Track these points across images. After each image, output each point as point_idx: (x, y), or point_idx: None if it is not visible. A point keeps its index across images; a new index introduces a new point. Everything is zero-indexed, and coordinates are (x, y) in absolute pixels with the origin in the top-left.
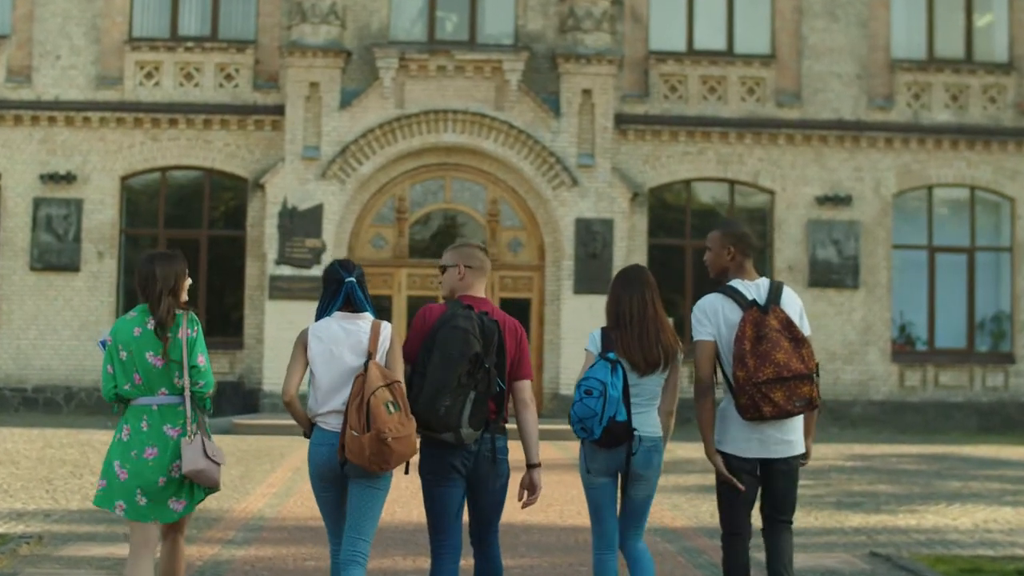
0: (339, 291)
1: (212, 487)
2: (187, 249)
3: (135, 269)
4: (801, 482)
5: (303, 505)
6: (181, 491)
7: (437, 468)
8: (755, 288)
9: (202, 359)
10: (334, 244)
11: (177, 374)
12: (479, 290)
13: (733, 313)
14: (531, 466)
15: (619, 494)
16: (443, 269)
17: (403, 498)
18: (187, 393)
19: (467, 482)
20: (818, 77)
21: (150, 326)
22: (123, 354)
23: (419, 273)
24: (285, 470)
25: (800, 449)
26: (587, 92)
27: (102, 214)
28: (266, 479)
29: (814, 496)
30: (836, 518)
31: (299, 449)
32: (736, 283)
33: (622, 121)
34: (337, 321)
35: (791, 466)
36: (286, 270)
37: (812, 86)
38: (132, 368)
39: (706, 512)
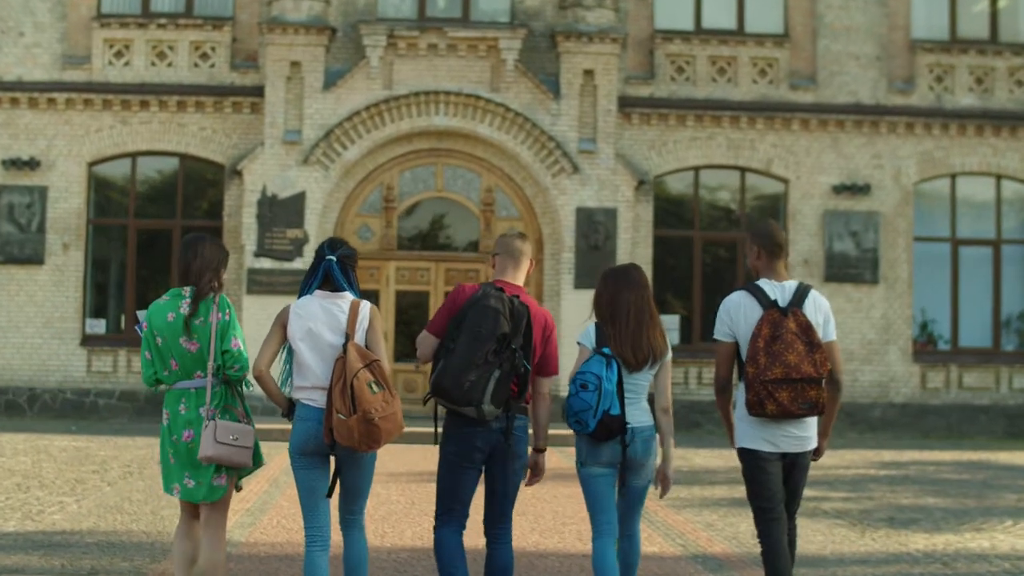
0: (319, 268)
1: (238, 468)
2: (159, 241)
3: (178, 251)
4: (843, 495)
5: (279, 525)
6: (222, 468)
7: (460, 449)
8: (781, 289)
9: (236, 342)
10: (317, 235)
11: (207, 358)
12: (514, 276)
13: (754, 312)
14: (537, 450)
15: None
16: None
17: (394, 515)
18: (209, 377)
19: (486, 462)
20: (835, 58)
21: (184, 310)
22: (158, 340)
23: (408, 266)
24: (261, 481)
25: (813, 445)
26: (589, 73)
27: (68, 203)
28: (239, 492)
29: (862, 512)
30: (896, 539)
31: (278, 456)
32: (763, 282)
33: (626, 104)
34: (317, 299)
35: (807, 461)
36: (265, 263)
37: (828, 68)
38: (168, 354)
39: (746, 532)
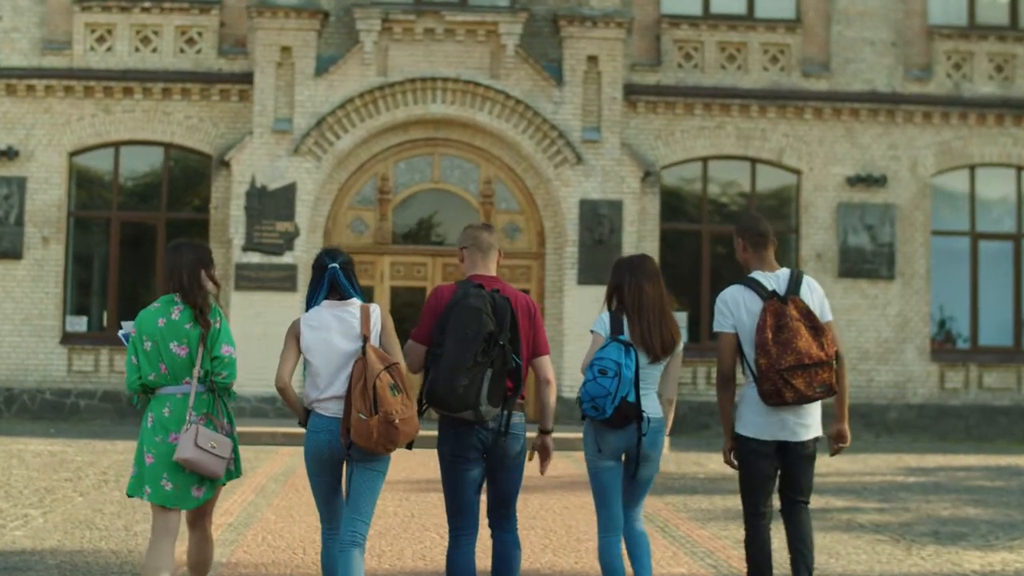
0: (323, 279)
1: (210, 477)
2: (143, 234)
3: (163, 259)
4: (876, 505)
5: (264, 542)
6: (203, 479)
7: (457, 449)
8: (775, 279)
9: (227, 349)
10: (308, 228)
11: (197, 363)
12: (486, 268)
13: (754, 304)
14: (544, 432)
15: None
16: None
17: (392, 531)
18: (194, 382)
19: (486, 460)
20: (849, 44)
21: (175, 316)
22: (147, 344)
23: (404, 261)
24: (247, 491)
25: (817, 432)
26: (593, 59)
27: (48, 194)
28: (222, 504)
29: (902, 525)
30: (947, 557)
31: (266, 462)
32: (757, 274)
33: (632, 92)
34: (327, 309)
35: (809, 449)
36: (254, 257)
37: (842, 54)
38: (157, 358)
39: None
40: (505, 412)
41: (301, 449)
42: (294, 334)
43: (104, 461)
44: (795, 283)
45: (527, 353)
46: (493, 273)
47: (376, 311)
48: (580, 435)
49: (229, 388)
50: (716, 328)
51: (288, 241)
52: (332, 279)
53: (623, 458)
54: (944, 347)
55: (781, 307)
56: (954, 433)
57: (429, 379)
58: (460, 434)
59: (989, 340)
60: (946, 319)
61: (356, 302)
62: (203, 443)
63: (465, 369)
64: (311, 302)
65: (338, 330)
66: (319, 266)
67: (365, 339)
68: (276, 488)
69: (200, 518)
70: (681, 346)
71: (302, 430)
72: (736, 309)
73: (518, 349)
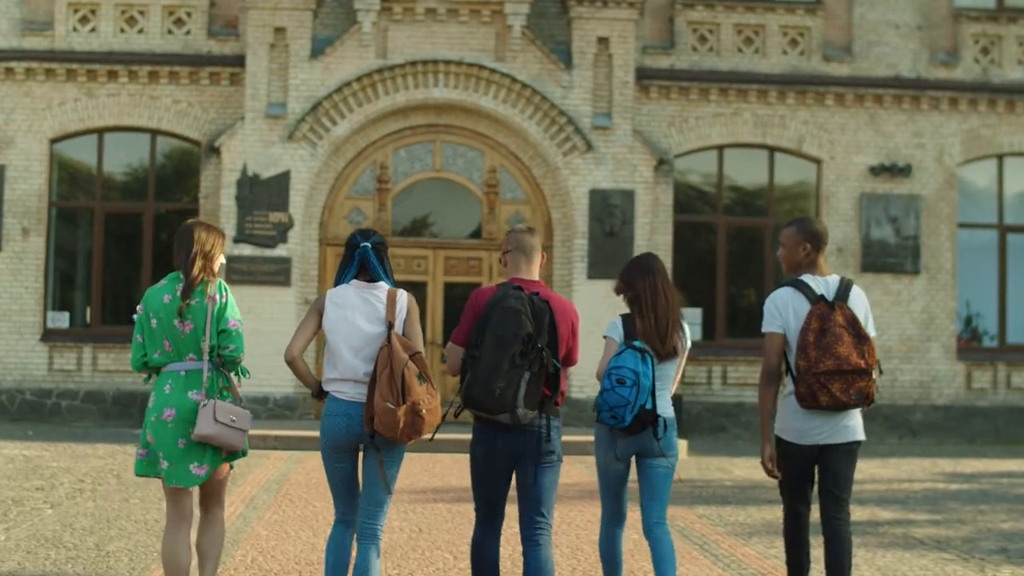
0: (354, 257)
1: (231, 451)
2: (128, 225)
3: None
4: (926, 517)
5: (254, 564)
6: (204, 456)
7: (490, 453)
8: (825, 284)
9: (233, 323)
10: (303, 219)
11: (202, 339)
12: (528, 272)
13: (802, 307)
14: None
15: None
16: None
17: (398, 548)
18: (205, 357)
19: (516, 463)
20: (872, 27)
21: (179, 292)
22: (153, 322)
23: (403, 254)
24: (236, 502)
25: (859, 435)
26: (603, 41)
27: (28, 183)
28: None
29: (965, 541)
30: None
31: (257, 469)
32: (807, 278)
33: (644, 76)
34: (353, 288)
35: (851, 449)
36: (246, 249)
37: (865, 38)
38: (162, 335)
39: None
40: (544, 416)
41: (295, 454)
42: (317, 309)
43: (82, 467)
44: (844, 290)
45: (561, 359)
46: (535, 277)
47: (403, 297)
48: (592, 437)
49: (237, 362)
50: (765, 328)
51: (281, 233)
52: (363, 259)
53: (633, 458)
54: (971, 345)
55: (828, 312)
56: (982, 435)
57: (466, 381)
58: (494, 437)
59: (1018, 338)
60: (973, 316)
61: (384, 285)
62: (223, 417)
63: (503, 371)
64: (340, 280)
65: (362, 311)
66: (351, 244)
67: (390, 325)
68: (268, 499)
69: (209, 500)
70: (688, 344)
71: (297, 432)
72: (785, 311)
73: (556, 353)
